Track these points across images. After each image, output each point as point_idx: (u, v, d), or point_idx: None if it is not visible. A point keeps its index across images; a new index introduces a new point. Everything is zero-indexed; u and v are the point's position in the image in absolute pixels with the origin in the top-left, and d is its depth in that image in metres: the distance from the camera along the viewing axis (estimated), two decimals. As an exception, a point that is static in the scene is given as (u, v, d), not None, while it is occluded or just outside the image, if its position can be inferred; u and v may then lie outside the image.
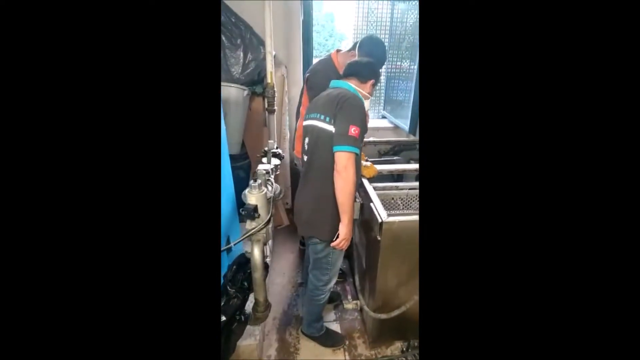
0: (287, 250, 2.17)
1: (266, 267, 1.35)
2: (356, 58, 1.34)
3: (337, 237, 1.17)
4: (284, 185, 2.36)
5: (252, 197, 1.12)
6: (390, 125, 2.58)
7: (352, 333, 1.56)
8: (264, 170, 1.39)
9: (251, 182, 1.15)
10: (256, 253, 1.13)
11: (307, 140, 1.24)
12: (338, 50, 1.61)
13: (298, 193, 1.33)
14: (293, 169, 2.32)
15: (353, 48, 1.54)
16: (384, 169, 1.64)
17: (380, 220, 1.17)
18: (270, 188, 1.39)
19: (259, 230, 1.13)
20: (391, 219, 1.17)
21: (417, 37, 2.08)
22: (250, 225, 1.15)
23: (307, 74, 1.61)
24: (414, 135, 2.25)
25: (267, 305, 1.20)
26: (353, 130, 1.06)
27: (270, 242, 1.95)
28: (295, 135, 1.75)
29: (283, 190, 1.52)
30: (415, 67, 2.09)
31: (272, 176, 1.54)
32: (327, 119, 1.12)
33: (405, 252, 1.24)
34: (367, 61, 1.26)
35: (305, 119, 1.26)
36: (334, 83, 1.25)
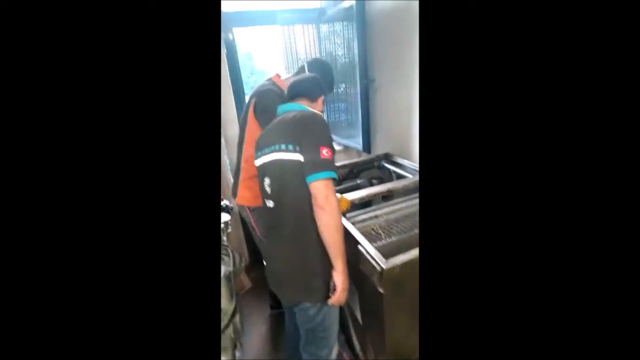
0: (258, 320, 1.76)
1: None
2: (298, 77, 1.13)
3: (334, 289, 0.91)
4: (237, 240, 1.98)
5: (205, 284, 0.79)
6: (339, 147, 2.43)
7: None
8: (213, 236, 1.05)
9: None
10: (226, 368, 0.77)
11: (267, 181, 0.97)
12: (278, 75, 1.39)
13: (269, 251, 1.02)
14: (243, 219, 1.97)
15: (300, 72, 1.33)
16: (354, 198, 1.42)
17: (380, 269, 0.92)
18: (227, 259, 1.05)
19: (223, 330, 0.79)
20: (392, 262, 0.93)
21: (351, 56, 2.00)
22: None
23: (253, 98, 1.31)
24: (369, 152, 2.12)
25: None
26: (325, 152, 0.86)
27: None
28: (239, 178, 1.41)
29: (244, 256, 1.17)
30: (357, 89, 1.98)
31: (225, 236, 1.20)
32: (291, 146, 0.88)
33: (413, 297, 1.00)
34: (311, 77, 1.09)
35: (258, 157, 1.00)
36: (282, 108, 1.04)
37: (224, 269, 0.91)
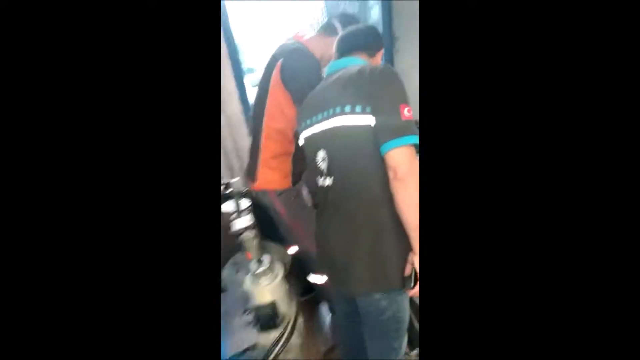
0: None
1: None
2: (352, 28, 0.94)
3: (416, 277, 0.76)
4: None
5: (264, 291, 0.63)
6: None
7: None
8: (248, 230, 0.88)
9: (252, 263, 0.65)
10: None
11: (321, 155, 0.81)
12: (300, 35, 1.19)
13: (323, 236, 0.87)
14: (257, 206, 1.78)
15: (329, 31, 1.12)
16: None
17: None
18: (275, 257, 0.89)
19: (287, 342, 0.64)
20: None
21: (363, 13, 1.78)
22: (268, 338, 0.64)
23: (278, 60, 1.07)
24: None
25: None
26: (406, 112, 0.70)
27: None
28: (259, 159, 1.23)
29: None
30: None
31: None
32: (359, 107, 0.72)
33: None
34: (368, 27, 0.92)
35: (307, 126, 0.84)
36: (337, 64, 0.86)
37: (280, 271, 0.76)
